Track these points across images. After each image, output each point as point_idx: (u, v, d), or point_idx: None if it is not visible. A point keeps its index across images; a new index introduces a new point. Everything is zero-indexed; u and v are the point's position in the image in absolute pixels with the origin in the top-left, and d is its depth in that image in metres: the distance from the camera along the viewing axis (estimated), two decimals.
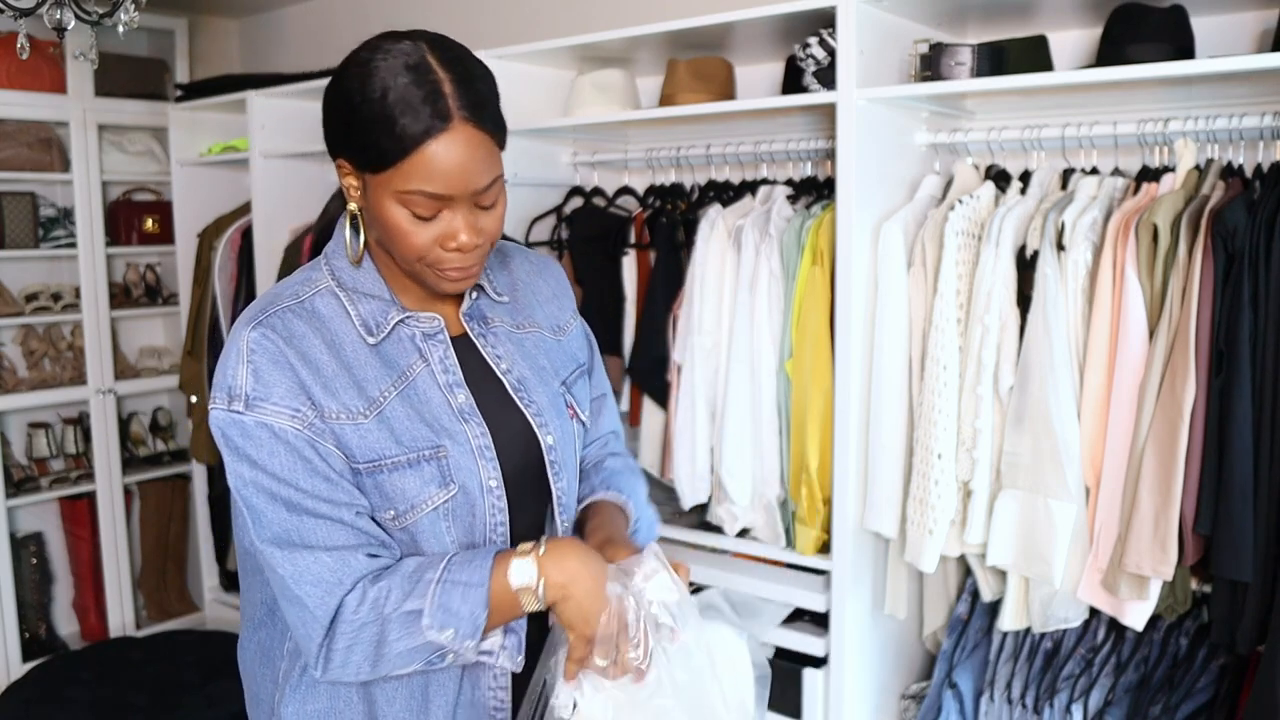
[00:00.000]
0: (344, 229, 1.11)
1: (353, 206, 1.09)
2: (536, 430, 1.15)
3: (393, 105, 0.97)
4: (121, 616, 3.60)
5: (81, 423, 3.58)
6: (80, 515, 3.54)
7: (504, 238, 1.26)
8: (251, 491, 1.02)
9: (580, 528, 1.23)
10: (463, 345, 1.15)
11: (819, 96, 1.98)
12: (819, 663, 2.09)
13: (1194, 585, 1.81)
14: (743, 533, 2.21)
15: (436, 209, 1.01)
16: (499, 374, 1.15)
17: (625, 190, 2.63)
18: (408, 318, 1.11)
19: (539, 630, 1.13)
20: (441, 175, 0.99)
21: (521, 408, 1.15)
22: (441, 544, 1.09)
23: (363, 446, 1.04)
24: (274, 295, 1.09)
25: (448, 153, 0.98)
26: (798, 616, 2.20)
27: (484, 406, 1.12)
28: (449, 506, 1.08)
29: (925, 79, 1.90)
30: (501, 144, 1.04)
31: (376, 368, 1.07)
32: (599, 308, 2.52)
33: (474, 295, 1.19)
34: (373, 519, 1.06)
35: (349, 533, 1.03)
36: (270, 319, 1.05)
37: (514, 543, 1.12)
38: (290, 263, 2.99)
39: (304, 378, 1.03)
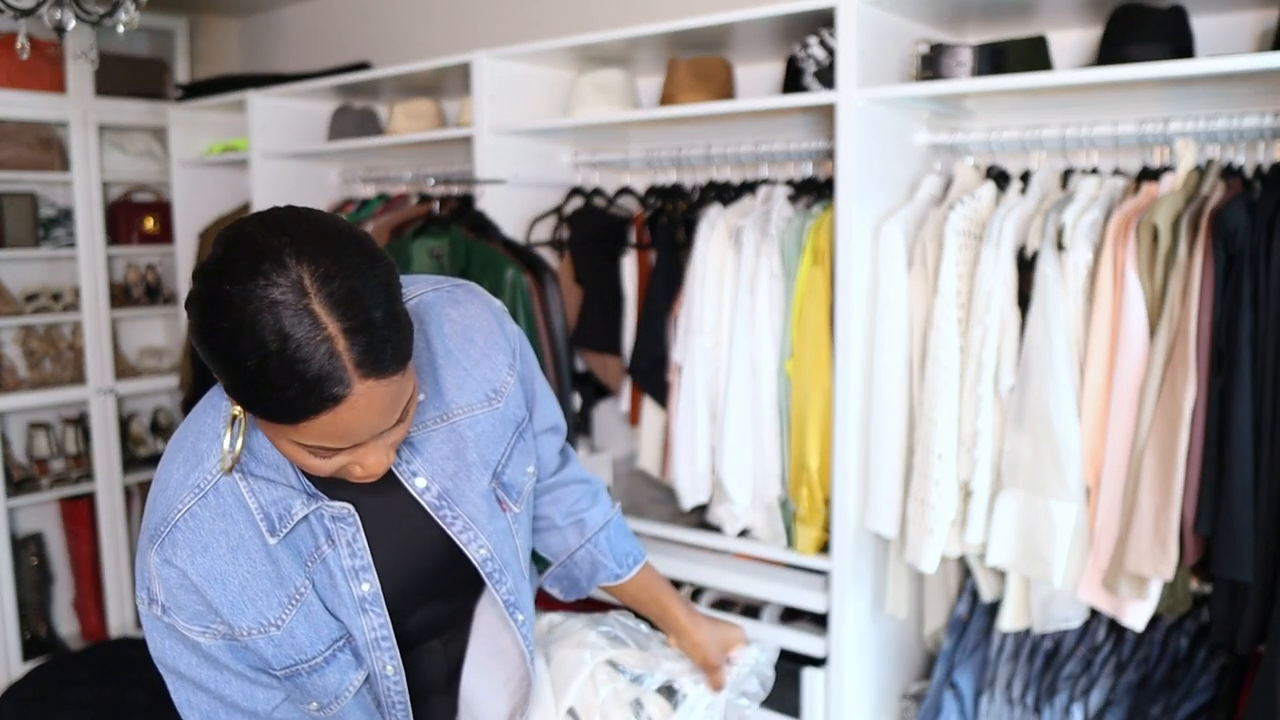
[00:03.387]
0: (221, 431, 0.97)
1: (235, 410, 0.94)
2: (465, 548, 1.09)
3: (275, 375, 0.80)
4: (121, 616, 3.60)
5: (81, 423, 3.58)
6: (80, 515, 3.54)
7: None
8: (175, 682, 1.06)
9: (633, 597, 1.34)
10: None
11: (819, 96, 1.97)
12: (819, 663, 2.08)
13: (1194, 585, 1.81)
14: (743, 533, 2.21)
15: (338, 451, 0.91)
16: (415, 495, 1.07)
17: (625, 190, 2.63)
18: (315, 510, 1.01)
19: None
20: (343, 435, 0.87)
21: (444, 527, 1.08)
22: (368, 711, 1.11)
23: (278, 655, 1.02)
24: (176, 488, 0.99)
25: (348, 416, 0.84)
26: (797, 616, 2.21)
27: (403, 541, 1.08)
28: (369, 683, 1.10)
29: (925, 79, 1.90)
30: (409, 359, 0.88)
31: (285, 562, 1.01)
32: (599, 308, 2.53)
33: None
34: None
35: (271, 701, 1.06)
36: (172, 536, 0.97)
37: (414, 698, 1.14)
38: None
39: (211, 599, 0.98)
